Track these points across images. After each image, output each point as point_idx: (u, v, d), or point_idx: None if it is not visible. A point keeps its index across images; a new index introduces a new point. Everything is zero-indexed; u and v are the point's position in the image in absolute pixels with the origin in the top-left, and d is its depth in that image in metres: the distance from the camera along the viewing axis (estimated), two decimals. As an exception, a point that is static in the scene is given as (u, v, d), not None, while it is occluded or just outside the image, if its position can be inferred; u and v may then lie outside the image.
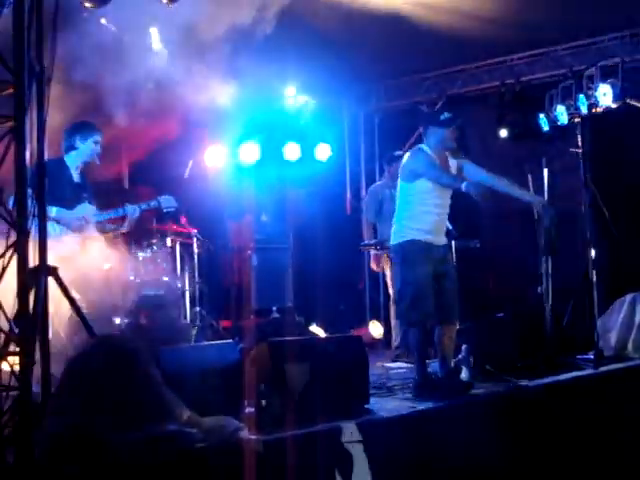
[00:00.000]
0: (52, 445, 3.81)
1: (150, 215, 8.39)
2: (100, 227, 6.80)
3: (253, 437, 4.35)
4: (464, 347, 6.89)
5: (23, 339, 4.08)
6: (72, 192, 6.60)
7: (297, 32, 9.17)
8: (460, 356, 6.88)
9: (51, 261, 4.64)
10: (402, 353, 8.29)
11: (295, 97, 10.87)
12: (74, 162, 6.69)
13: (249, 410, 4.95)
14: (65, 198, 6.49)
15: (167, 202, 7.25)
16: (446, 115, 6.46)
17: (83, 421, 3.83)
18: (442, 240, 6.46)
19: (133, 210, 6.86)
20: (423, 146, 6.48)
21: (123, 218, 6.88)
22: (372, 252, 8.92)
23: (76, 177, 6.72)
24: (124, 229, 7.00)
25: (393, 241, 6.47)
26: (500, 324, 7.72)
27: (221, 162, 10.53)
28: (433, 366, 6.72)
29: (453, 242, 8.30)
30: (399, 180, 6.52)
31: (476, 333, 7.37)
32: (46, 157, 4.67)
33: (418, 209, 6.33)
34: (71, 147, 6.69)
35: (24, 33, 4.23)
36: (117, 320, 8.43)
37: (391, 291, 8.89)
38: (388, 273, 8.90)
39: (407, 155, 6.54)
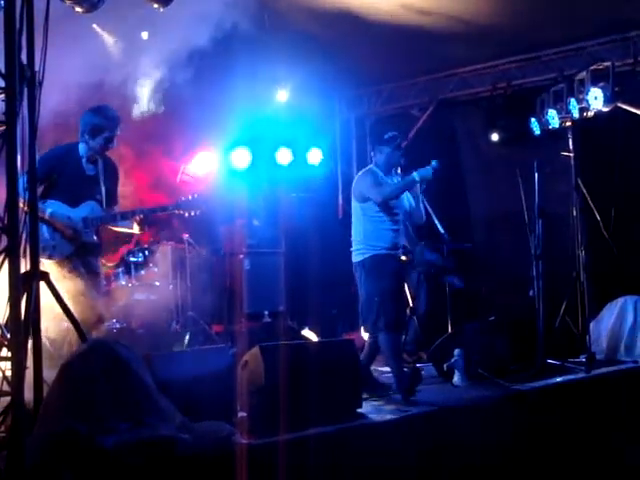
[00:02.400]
0: (45, 450, 3.79)
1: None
2: (112, 224, 6.36)
3: (245, 442, 4.35)
4: (457, 351, 6.90)
5: (15, 344, 4.07)
6: (79, 185, 6.13)
7: (288, 37, 9.17)
8: (452, 360, 6.90)
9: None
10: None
11: (286, 101, 10.86)
12: (85, 152, 6.19)
13: (242, 415, 4.95)
14: (70, 191, 6.07)
15: (190, 205, 6.44)
16: (389, 134, 6.78)
17: (75, 426, 3.82)
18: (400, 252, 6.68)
19: (146, 213, 6.33)
20: (372, 166, 6.80)
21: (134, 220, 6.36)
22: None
23: (89, 169, 6.21)
24: (134, 230, 6.53)
25: (355, 259, 6.69)
26: (492, 328, 7.72)
27: (213, 167, 10.52)
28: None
29: (445, 246, 8.33)
30: (352, 200, 6.75)
31: (468, 337, 7.38)
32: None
33: (375, 227, 6.59)
34: (82, 139, 6.18)
35: (15, 38, 4.22)
36: (109, 325, 8.44)
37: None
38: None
39: (357, 177, 6.83)
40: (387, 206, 6.56)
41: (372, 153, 6.92)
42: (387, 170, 6.72)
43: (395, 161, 6.74)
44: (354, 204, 6.74)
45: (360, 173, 6.82)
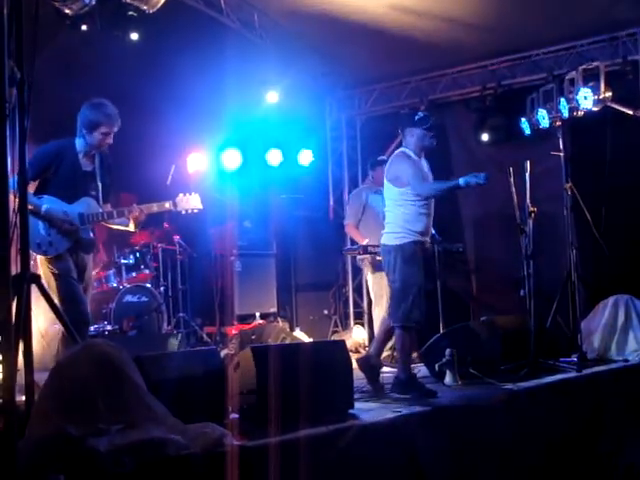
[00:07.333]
0: (36, 453, 3.78)
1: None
2: (109, 221, 6.35)
3: (237, 443, 4.34)
4: (448, 351, 6.90)
5: (6, 348, 4.05)
6: (75, 181, 6.09)
7: (279, 38, 9.19)
8: (444, 360, 6.90)
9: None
10: (386, 357, 8.29)
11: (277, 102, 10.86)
12: (82, 148, 6.15)
13: (233, 416, 4.94)
14: (66, 187, 6.04)
15: (186, 203, 6.53)
16: (420, 115, 6.57)
17: (67, 428, 3.81)
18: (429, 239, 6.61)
19: (142, 210, 6.29)
20: (405, 150, 6.54)
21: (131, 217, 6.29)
22: (358, 257, 8.85)
23: (86, 164, 6.18)
24: (130, 228, 6.42)
25: (390, 242, 6.46)
26: (484, 328, 7.73)
27: (203, 168, 10.52)
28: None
29: (436, 246, 8.34)
30: (387, 183, 6.53)
31: (460, 337, 7.38)
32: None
33: (414, 211, 6.41)
34: (80, 134, 6.13)
35: (4, 41, 4.20)
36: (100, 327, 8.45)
37: (372, 296, 8.89)
38: (370, 278, 8.89)
39: (392, 159, 6.61)
40: None
41: (401, 135, 6.69)
42: (418, 153, 6.53)
43: (427, 144, 6.53)
44: (391, 188, 6.49)
45: (393, 157, 6.59)
